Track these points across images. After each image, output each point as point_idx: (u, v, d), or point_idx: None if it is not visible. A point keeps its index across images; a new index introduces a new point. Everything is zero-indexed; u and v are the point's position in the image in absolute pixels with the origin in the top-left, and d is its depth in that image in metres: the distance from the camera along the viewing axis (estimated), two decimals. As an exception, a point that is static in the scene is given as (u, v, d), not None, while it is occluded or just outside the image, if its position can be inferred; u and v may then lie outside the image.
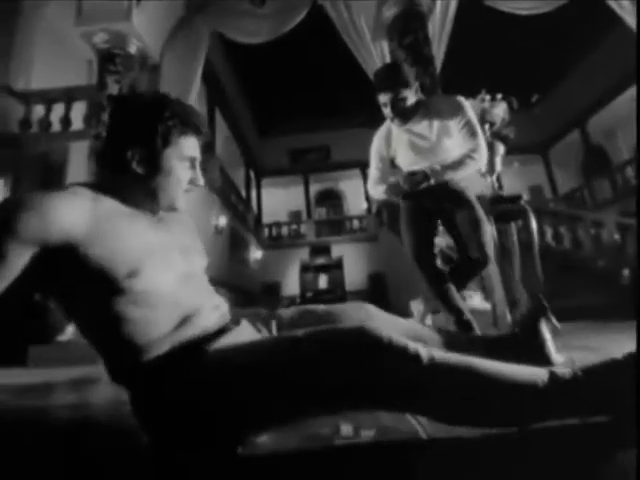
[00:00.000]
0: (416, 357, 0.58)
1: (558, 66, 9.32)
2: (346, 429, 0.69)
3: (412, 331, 0.82)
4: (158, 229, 0.74)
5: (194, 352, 0.67)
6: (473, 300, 2.86)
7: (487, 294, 2.90)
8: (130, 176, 0.70)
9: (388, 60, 4.05)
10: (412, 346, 0.60)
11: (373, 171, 1.72)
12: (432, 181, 1.45)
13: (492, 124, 2.58)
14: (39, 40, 5.24)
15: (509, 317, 2.38)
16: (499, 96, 2.56)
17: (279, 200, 12.49)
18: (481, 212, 1.50)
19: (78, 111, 4.67)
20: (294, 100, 10.18)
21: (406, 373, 0.58)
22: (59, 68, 5.19)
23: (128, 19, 4.08)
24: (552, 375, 0.59)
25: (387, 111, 1.53)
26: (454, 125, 1.51)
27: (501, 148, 2.52)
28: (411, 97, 1.49)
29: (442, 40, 4.03)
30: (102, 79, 4.09)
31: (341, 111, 10.89)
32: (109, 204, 0.69)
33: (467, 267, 1.52)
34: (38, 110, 4.72)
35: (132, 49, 4.26)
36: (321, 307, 0.87)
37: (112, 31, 4.13)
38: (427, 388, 0.58)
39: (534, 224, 2.45)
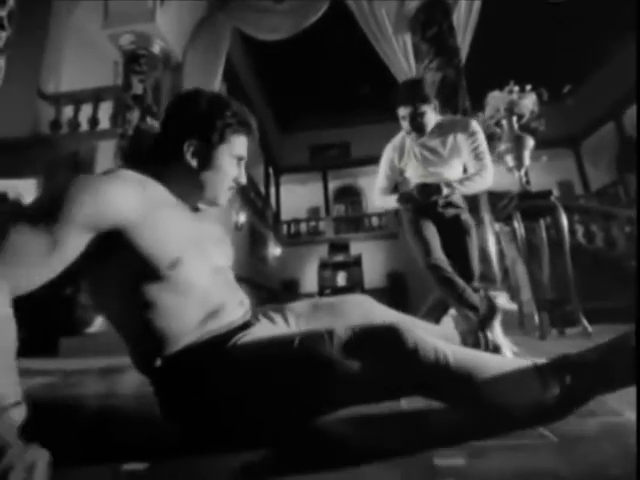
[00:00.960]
0: (445, 358, 0.62)
1: (592, 55, 8.84)
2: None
3: (410, 325, 0.83)
4: (197, 221, 0.76)
5: (220, 345, 0.67)
6: (498, 300, 2.77)
7: (513, 293, 2.80)
8: (181, 167, 0.72)
9: (411, 53, 3.96)
10: (441, 349, 0.63)
11: (381, 180, 1.78)
12: (444, 193, 1.51)
13: (520, 116, 2.48)
14: (68, 44, 5.44)
15: (537, 318, 2.28)
16: (528, 87, 2.45)
17: (298, 197, 12.51)
18: (474, 230, 1.62)
19: (104, 111, 4.83)
20: (314, 96, 10.13)
21: (430, 372, 0.62)
22: (87, 70, 5.38)
23: (152, 20, 4.17)
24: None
25: (405, 124, 1.59)
26: (466, 146, 1.59)
27: (530, 142, 2.42)
28: (430, 113, 1.56)
29: (468, 30, 3.89)
30: (127, 79, 4.19)
31: (362, 107, 10.76)
32: (157, 192, 0.70)
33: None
34: (67, 111, 4.91)
35: (156, 49, 4.35)
36: (328, 300, 0.91)
37: (137, 32, 4.23)
38: (448, 382, 0.63)
39: (565, 221, 2.33)
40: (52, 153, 4.54)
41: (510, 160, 2.44)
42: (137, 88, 4.12)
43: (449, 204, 1.62)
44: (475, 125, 1.60)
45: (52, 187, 0.61)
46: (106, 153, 4.45)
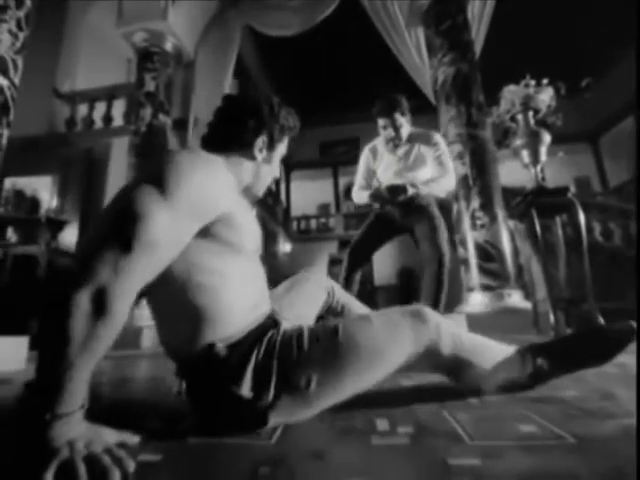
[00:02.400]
0: (459, 340, 0.76)
1: (613, 47, 8.55)
2: (382, 424, 0.67)
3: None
4: None
5: (263, 334, 0.69)
6: (512, 298, 2.72)
7: (528, 292, 2.75)
8: (241, 158, 0.77)
9: (423, 48, 3.90)
10: (457, 332, 0.76)
11: (359, 178, 2.02)
12: (410, 192, 1.72)
13: (536, 111, 2.41)
14: (83, 43, 5.53)
15: (552, 317, 2.24)
16: (545, 81, 2.38)
17: (308, 193, 12.51)
18: (441, 221, 1.82)
19: (118, 108, 4.89)
20: (324, 92, 10.09)
21: (446, 351, 0.74)
22: (101, 68, 5.46)
23: (164, 18, 4.20)
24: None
25: (386, 133, 1.84)
26: (429, 155, 1.84)
27: (546, 137, 2.35)
28: (405, 125, 1.82)
29: (482, 23, 3.80)
30: (140, 77, 4.24)
31: (372, 102, 10.66)
32: (231, 177, 0.74)
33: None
34: (82, 109, 5.00)
35: (168, 47, 4.38)
36: (287, 281, 1.09)
37: (150, 30, 4.27)
38: (458, 360, 0.76)
39: (582, 219, 2.27)
40: (67, 150, 4.63)
41: (526, 156, 2.38)
42: (150, 85, 4.16)
43: (415, 203, 1.83)
44: (437, 137, 1.87)
45: (166, 170, 0.58)
46: (120, 149, 4.52)
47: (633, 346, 0.82)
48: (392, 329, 0.71)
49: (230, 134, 0.77)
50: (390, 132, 1.82)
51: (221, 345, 0.64)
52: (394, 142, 1.85)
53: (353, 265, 1.87)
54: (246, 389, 0.63)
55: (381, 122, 1.83)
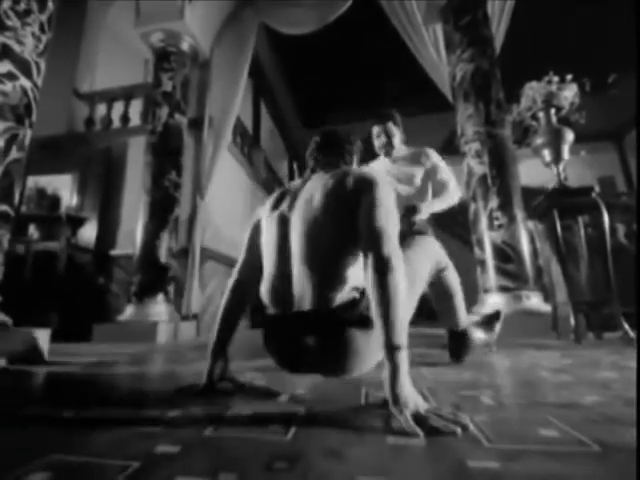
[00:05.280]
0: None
1: None
2: (398, 423, 0.65)
3: None
4: None
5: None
6: (531, 300, 2.65)
7: (547, 294, 2.67)
8: None
9: (441, 44, 3.83)
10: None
11: None
12: (420, 212, 1.75)
13: (559, 108, 2.34)
14: (102, 44, 5.65)
15: (572, 320, 2.17)
16: (569, 77, 2.31)
17: (321, 193, 12.46)
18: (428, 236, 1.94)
19: (135, 108, 4.98)
20: (339, 91, 10.05)
21: None
22: (119, 68, 5.57)
23: (181, 17, 4.24)
24: None
25: (379, 140, 1.95)
26: (421, 168, 1.88)
27: (569, 135, 2.28)
28: (398, 135, 1.94)
29: (503, 17, 3.69)
30: (157, 77, 4.30)
31: (388, 101, 10.56)
32: None
33: None
34: (100, 109, 5.11)
35: (184, 46, 4.43)
36: None
37: (167, 30, 4.32)
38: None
39: (606, 220, 2.19)
40: (86, 150, 4.74)
41: (547, 154, 2.32)
42: (166, 85, 4.22)
43: (414, 230, 1.93)
44: (428, 151, 1.91)
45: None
46: (136, 148, 4.60)
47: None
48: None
49: (339, 156, 1.14)
50: (382, 139, 1.94)
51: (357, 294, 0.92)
52: (386, 149, 1.94)
53: None
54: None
55: (375, 130, 1.96)
